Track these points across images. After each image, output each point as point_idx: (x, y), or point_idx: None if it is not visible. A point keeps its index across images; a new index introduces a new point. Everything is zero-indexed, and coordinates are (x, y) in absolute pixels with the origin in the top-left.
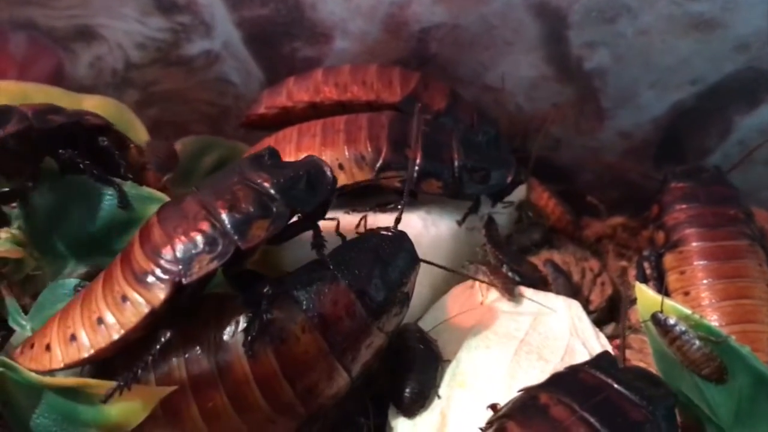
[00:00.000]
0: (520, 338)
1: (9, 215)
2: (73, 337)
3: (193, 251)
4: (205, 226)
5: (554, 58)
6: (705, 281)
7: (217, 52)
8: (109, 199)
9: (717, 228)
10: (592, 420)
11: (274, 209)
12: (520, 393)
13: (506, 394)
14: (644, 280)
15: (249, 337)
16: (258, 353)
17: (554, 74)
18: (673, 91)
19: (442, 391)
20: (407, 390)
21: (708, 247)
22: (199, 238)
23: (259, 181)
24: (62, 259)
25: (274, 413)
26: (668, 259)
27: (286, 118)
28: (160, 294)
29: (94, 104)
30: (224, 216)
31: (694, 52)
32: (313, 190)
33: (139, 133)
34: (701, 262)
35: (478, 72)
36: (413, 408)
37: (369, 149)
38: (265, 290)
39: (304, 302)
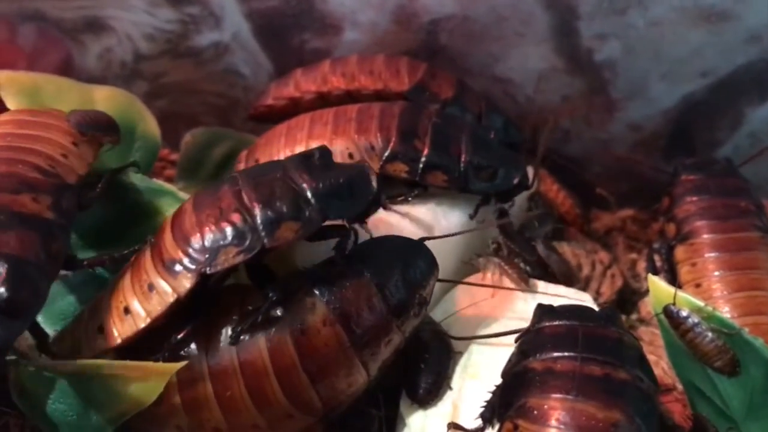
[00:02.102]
0: None
1: None
2: (101, 329)
3: (221, 242)
4: (236, 218)
5: (564, 50)
6: (716, 273)
7: (226, 44)
8: (120, 190)
9: (728, 220)
10: (592, 356)
11: (307, 213)
12: (505, 380)
13: None
14: (655, 272)
15: (239, 328)
16: (278, 345)
17: (564, 66)
18: (683, 83)
19: (453, 382)
20: (422, 382)
21: (719, 239)
22: (228, 230)
23: (299, 181)
24: (73, 250)
25: (292, 407)
26: (679, 252)
27: (293, 110)
28: (186, 283)
29: (104, 95)
30: (257, 211)
31: (706, 43)
32: (351, 199)
33: (149, 124)
34: (712, 254)
35: (487, 63)
36: (428, 399)
37: (379, 139)
38: (270, 294)
39: (326, 295)
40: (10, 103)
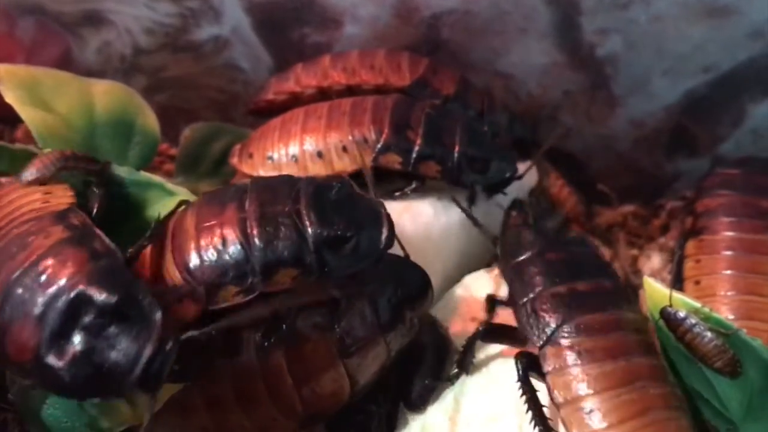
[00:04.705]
0: None
1: None
2: None
3: (222, 279)
4: (239, 255)
5: (566, 45)
6: (718, 272)
7: (226, 38)
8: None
9: (743, 219)
10: (599, 276)
11: (308, 261)
12: (528, 310)
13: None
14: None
15: (265, 342)
16: (268, 348)
17: (566, 61)
18: (685, 79)
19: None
20: (415, 389)
21: (729, 237)
22: (229, 267)
23: (307, 223)
24: None
25: (276, 410)
26: (689, 246)
27: (294, 104)
28: (190, 311)
29: (103, 89)
30: (257, 250)
31: (708, 39)
32: (353, 258)
33: (148, 118)
34: (718, 253)
35: (489, 58)
36: (419, 405)
37: (372, 131)
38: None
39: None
40: (9, 97)
